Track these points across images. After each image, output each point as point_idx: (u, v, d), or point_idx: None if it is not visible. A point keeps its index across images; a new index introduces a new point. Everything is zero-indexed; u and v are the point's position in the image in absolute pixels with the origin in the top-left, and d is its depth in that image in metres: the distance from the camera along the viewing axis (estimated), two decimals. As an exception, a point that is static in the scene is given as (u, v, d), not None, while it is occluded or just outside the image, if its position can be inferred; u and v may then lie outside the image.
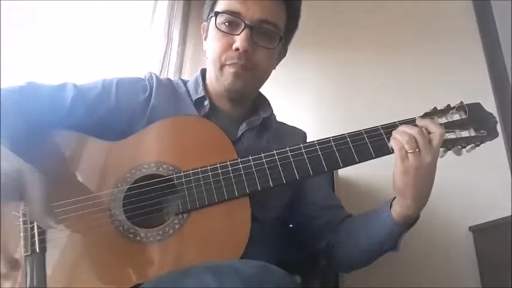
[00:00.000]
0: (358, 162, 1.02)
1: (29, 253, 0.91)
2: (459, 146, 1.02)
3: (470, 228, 2.05)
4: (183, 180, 0.99)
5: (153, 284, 0.85)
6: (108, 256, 0.92)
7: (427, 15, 2.50)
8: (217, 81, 1.18)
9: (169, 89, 1.23)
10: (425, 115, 1.05)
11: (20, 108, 1.00)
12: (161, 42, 2.14)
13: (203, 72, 1.27)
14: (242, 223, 0.96)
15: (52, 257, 0.92)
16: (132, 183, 0.99)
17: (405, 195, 0.98)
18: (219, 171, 1.00)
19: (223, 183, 0.99)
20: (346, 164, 1.02)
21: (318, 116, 2.41)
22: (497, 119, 1.07)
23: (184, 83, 1.27)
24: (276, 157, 1.02)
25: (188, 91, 1.24)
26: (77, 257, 0.93)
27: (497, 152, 2.12)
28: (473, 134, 1.02)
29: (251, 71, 1.14)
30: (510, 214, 1.74)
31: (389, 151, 1.00)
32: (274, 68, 1.27)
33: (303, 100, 2.50)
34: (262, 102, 1.32)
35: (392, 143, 0.98)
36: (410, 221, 1.04)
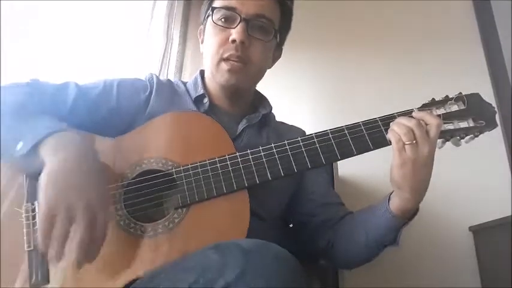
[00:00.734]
0: (356, 154, 1.02)
1: (32, 248, 0.92)
2: (458, 137, 1.02)
3: (470, 228, 2.04)
4: (183, 174, 1.00)
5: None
6: (109, 250, 0.91)
7: (427, 15, 2.50)
8: (213, 78, 1.21)
9: (169, 89, 1.25)
10: (424, 106, 1.05)
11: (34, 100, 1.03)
12: (161, 42, 2.14)
13: (202, 72, 1.30)
14: (241, 216, 0.97)
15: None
16: (133, 179, 0.99)
17: (403, 187, 0.98)
18: (218, 165, 1.01)
19: (222, 177, 0.99)
20: (344, 156, 1.02)
21: (317, 116, 2.41)
22: (497, 116, 1.06)
23: (184, 83, 1.30)
24: (274, 150, 1.02)
25: (188, 90, 1.26)
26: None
27: (497, 152, 2.12)
28: (472, 124, 1.02)
29: (246, 64, 1.16)
30: (510, 214, 1.74)
31: (388, 143, 1.00)
32: (270, 68, 1.30)
33: (301, 100, 2.51)
34: (261, 100, 1.34)
35: (390, 135, 0.99)
36: (408, 215, 1.04)
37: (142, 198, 0.98)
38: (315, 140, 1.03)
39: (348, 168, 2.03)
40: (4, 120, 0.95)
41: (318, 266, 1.37)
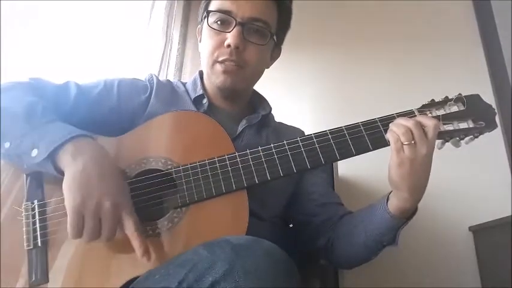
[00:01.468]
0: (356, 155, 1.02)
1: (32, 247, 0.93)
2: (457, 138, 1.02)
3: (470, 228, 2.04)
4: (182, 174, 1.00)
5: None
6: (108, 249, 0.92)
7: (426, 16, 2.50)
8: (209, 79, 1.23)
9: (169, 89, 1.26)
10: (423, 107, 1.05)
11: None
12: (160, 42, 2.14)
13: (201, 73, 1.31)
14: (240, 216, 0.96)
15: (54, 250, 0.93)
16: (132, 178, 0.99)
17: (401, 187, 0.98)
18: (217, 164, 1.01)
19: (221, 177, 0.99)
20: (343, 157, 1.02)
21: (317, 117, 2.40)
22: (497, 117, 1.06)
23: (183, 84, 1.31)
24: (273, 150, 1.02)
25: (187, 91, 1.27)
26: (78, 250, 0.93)
27: (497, 152, 2.12)
28: (471, 125, 1.02)
29: (242, 68, 1.17)
30: (510, 214, 1.73)
31: (387, 144, 1.00)
32: (268, 67, 1.30)
33: (301, 100, 2.50)
34: (261, 101, 1.35)
35: (388, 135, 0.99)
36: (407, 215, 1.04)
37: (141, 198, 0.98)
38: (314, 140, 1.03)
39: (348, 168, 2.03)
40: (16, 128, 0.96)
41: (318, 266, 1.36)
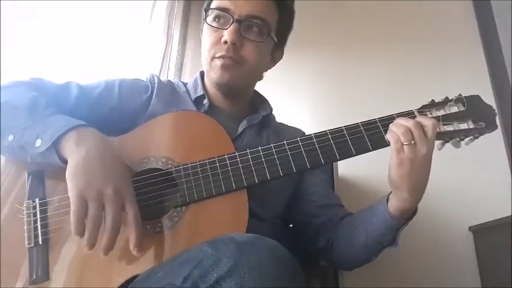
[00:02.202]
0: (355, 155, 1.02)
1: (32, 245, 0.93)
2: (457, 139, 1.02)
3: (470, 228, 2.04)
4: (182, 173, 1.00)
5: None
6: None
7: (426, 16, 2.50)
8: (208, 76, 1.23)
9: (170, 90, 1.26)
10: (423, 107, 1.05)
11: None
12: (161, 42, 2.15)
13: (202, 73, 1.31)
14: (240, 215, 0.97)
15: (55, 249, 0.94)
16: (132, 177, 0.99)
17: (401, 188, 0.98)
18: (217, 164, 1.01)
19: (221, 176, 1.00)
20: (343, 157, 1.02)
21: (317, 117, 2.41)
22: (497, 117, 1.06)
23: (184, 84, 1.31)
24: (273, 150, 1.03)
25: (188, 91, 1.28)
26: (78, 249, 0.94)
27: (497, 152, 2.12)
28: (471, 126, 1.02)
29: (239, 64, 1.17)
30: (510, 214, 1.73)
31: (387, 144, 1.00)
32: (269, 68, 1.31)
33: (301, 100, 2.50)
34: (262, 102, 1.35)
35: (388, 136, 0.99)
36: (407, 215, 1.04)
37: (141, 197, 0.98)
38: (314, 140, 1.03)
39: (348, 168, 2.03)
40: (19, 121, 0.97)
41: (318, 266, 1.36)
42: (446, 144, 1.03)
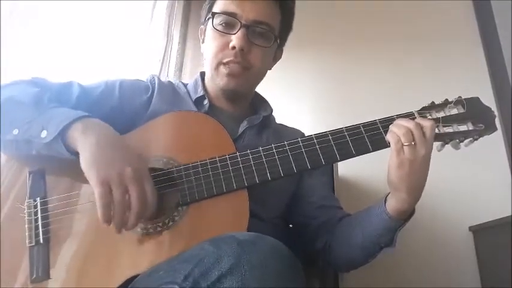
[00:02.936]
0: (356, 156, 1.02)
1: (33, 244, 0.94)
2: (457, 140, 1.02)
3: (470, 228, 2.04)
4: (183, 173, 1.00)
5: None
6: (110, 246, 0.93)
7: (426, 16, 2.50)
8: (212, 81, 1.23)
9: (170, 90, 1.27)
10: (423, 109, 1.05)
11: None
12: (161, 42, 2.15)
13: (202, 74, 1.31)
14: (240, 215, 0.97)
15: (56, 248, 0.94)
16: None
17: (400, 188, 0.98)
18: (218, 164, 1.01)
19: (221, 176, 1.00)
20: (343, 158, 1.02)
21: (316, 117, 2.41)
22: (497, 118, 1.06)
23: (185, 85, 1.31)
24: (274, 150, 1.03)
25: (188, 92, 1.28)
26: (79, 248, 0.94)
27: (497, 152, 2.12)
28: (471, 128, 1.02)
29: (246, 70, 1.17)
30: (510, 214, 1.74)
31: (387, 145, 1.00)
32: (270, 69, 1.31)
33: (300, 101, 2.51)
34: (262, 102, 1.36)
35: (389, 136, 0.99)
36: (404, 216, 1.04)
37: None
38: (315, 141, 1.03)
39: (348, 168, 2.04)
40: (23, 115, 0.97)
41: (317, 266, 1.36)
42: (446, 146, 1.03)
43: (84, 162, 0.88)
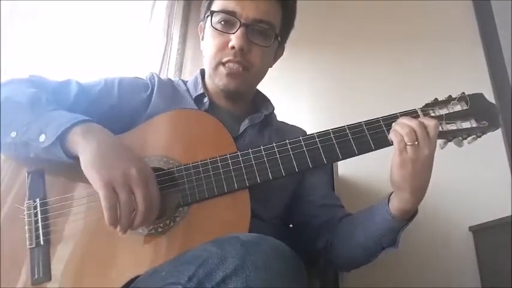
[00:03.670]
0: (358, 155, 1.01)
1: (34, 245, 0.93)
2: (460, 137, 1.01)
3: (470, 228, 2.04)
4: (184, 173, 1.00)
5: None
6: (110, 247, 0.93)
7: (426, 16, 2.50)
8: (211, 80, 1.22)
9: (170, 88, 1.26)
10: (427, 106, 1.04)
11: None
12: (161, 41, 2.14)
13: (202, 71, 1.30)
14: (242, 215, 0.96)
15: (56, 249, 0.94)
16: None
17: (403, 188, 0.98)
18: (219, 164, 1.01)
19: (223, 176, 0.99)
20: (345, 156, 1.01)
21: (316, 116, 2.40)
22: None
23: (184, 82, 1.30)
24: (276, 150, 1.02)
25: (188, 89, 1.27)
26: (80, 249, 0.94)
27: (497, 152, 2.12)
28: (474, 125, 1.01)
29: (246, 70, 1.16)
30: (510, 214, 1.74)
31: (389, 143, 1.00)
32: (271, 67, 1.29)
33: (300, 99, 2.51)
34: (263, 100, 1.34)
35: (391, 135, 0.98)
36: (407, 216, 1.03)
37: None
38: (317, 139, 1.02)
39: (348, 168, 2.03)
40: (21, 117, 0.96)
41: (317, 266, 1.36)
42: (449, 143, 1.03)
43: (86, 166, 0.88)
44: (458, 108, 1.03)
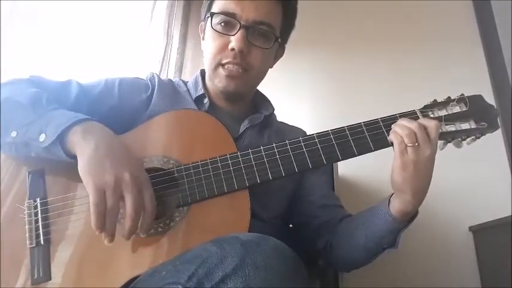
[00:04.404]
0: (357, 155, 1.01)
1: (34, 245, 0.93)
2: (459, 139, 1.01)
3: (470, 228, 2.05)
4: (184, 173, 1.00)
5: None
6: (110, 247, 0.91)
7: (426, 16, 2.50)
8: (211, 81, 1.22)
9: (170, 88, 1.25)
10: (426, 107, 1.04)
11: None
12: (161, 41, 2.14)
13: (202, 72, 1.30)
14: (241, 215, 0.97)
15: (57, 248, 0.94)
16: None
17: (404, 190, 0.97)
18: (219, 164, 1.01)
19: (222, 176, 0.99)
20: (345, 157, 1.01)
21: (317, 116, 2.41)
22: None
23: (185, 83, 1.30)
24: (276, 150, 1.02)
25: (188, 90, 1.27)
26: (80, 249, 0.94)
27: (497, 152, 2.12)
28: (473, 126, 1.01)
29: (245, 71, 1.16)
30: (510, 214, 1.74)
31: (389, 144, 1.00)
32: (271, 67, 1.29)
33: (301, 100, 2.51)
34: (263, 101, 1.34)
35: (392, 137, 0.98)
36: (408, 217, 1.03)
37: None
38: (316, 140, 1.02)
39: (348, 168, 2.03)
40: (21, 117, 0.96)
41: (317, 266, 1.36)
42: (448, 144, 1.03)
43: (81, 167, 0.88)
44: (457, 109, 1.03)
